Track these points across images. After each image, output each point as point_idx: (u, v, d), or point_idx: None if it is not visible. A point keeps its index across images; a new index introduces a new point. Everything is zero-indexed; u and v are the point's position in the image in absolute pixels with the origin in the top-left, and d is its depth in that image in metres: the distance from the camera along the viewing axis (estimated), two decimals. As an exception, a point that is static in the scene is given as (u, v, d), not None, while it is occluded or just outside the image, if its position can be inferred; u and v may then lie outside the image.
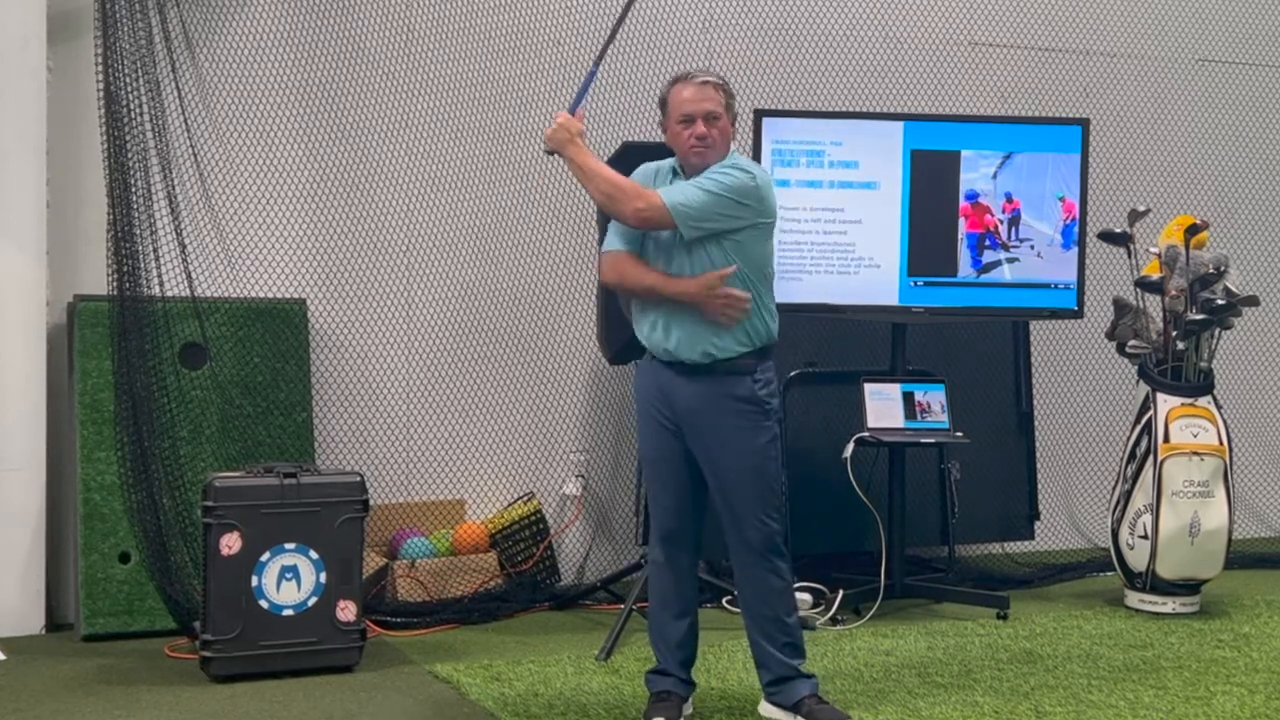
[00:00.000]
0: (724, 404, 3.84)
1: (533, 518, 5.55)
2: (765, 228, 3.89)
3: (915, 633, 5.00)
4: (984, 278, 5.51)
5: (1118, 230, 5.54)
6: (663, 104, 3.97)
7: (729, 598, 5.19)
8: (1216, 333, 5.48)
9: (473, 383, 5.68)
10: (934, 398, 5.38)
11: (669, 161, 4.02)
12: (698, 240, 3.81)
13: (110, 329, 4.85)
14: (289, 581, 4.41)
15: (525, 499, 5.64)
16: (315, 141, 5.42)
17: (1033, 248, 5.53)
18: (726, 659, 4.59)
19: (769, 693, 3.98)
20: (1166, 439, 5.33)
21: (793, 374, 5.67)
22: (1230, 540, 5.39)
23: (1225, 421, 5.41)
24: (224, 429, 5.03)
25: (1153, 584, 5.35)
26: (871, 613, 5.19)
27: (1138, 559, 5.38)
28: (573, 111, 3.94)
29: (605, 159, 5.08)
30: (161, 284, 4.92)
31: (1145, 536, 5.34)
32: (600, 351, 5.28)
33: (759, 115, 5.40)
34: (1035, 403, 6.29)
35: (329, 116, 5.44)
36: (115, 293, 4.82)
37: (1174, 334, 5.43)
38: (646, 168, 4.04)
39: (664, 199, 3.78)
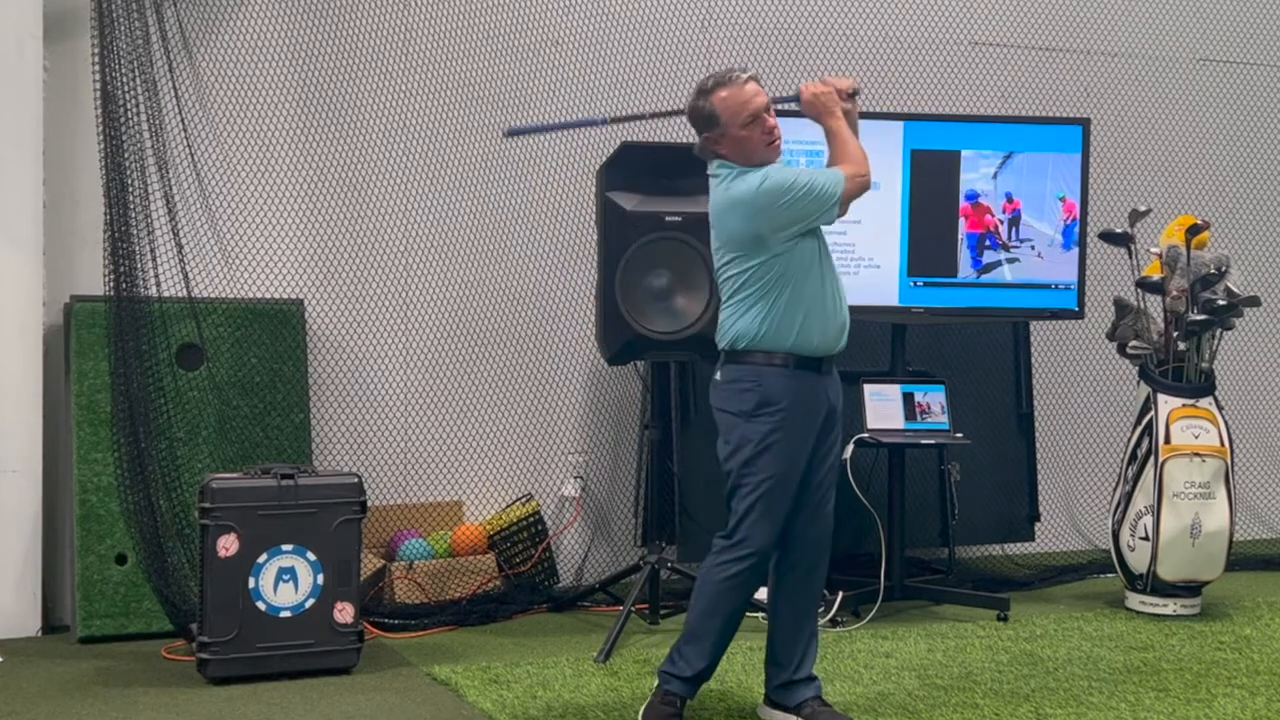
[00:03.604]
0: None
1: (531, 519, 5.53)
2: None
3: (915, 635, 4.98)
4: (984, 278, 5.49)
5: (1118, 230, 5.52)
6: (709, 118, 3.73)
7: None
8: (1218, 333, 5.47)
9: (471, 383, 5.66)
10: (934, 399, 5.37)
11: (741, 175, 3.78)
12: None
13: (107, 330, 4.83)
14: (286, 583, 4.39)
15: (524, 500, 5.63)
16: (313, 141, 5.40)
17: (1033, 248, 5.51)
18: (726, 660, 4.53)
19: (773, 694, 3.96)
20: (1167, 440, 5.31)
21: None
22: (1231, 542, 5.37)
23: (1226, 422, 5.39)
24: (221, 430, 5.01)
25: (1154, 586, 5.34)
26: (871, 615, 5.17)
27: (1138, 560, 5.36)
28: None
29: (604, 159, 5.10)
30: (158, 284, 4.90)
31: (1146, 538, 5.33)
32: (599, 352, 5.26)
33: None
34: (1036, 403, 6.28)
35: (326, 116, 5.43)
36: (112, 293, 4.80)
37: (1175, 334, 5.42)
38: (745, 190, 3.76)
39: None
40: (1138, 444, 5.43)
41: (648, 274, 4.98)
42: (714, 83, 3.77)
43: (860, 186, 3.81)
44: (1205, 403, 5.39)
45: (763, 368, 3.74)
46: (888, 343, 5.54)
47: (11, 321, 4.88)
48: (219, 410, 5.02)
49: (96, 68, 4.82)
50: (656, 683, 3.93)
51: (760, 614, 4.18)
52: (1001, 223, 5.50)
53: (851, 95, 3.90)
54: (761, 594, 4.03)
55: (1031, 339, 6.29)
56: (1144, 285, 5.50)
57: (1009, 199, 5.49)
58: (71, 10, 5.03)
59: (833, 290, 3.82)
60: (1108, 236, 5.54)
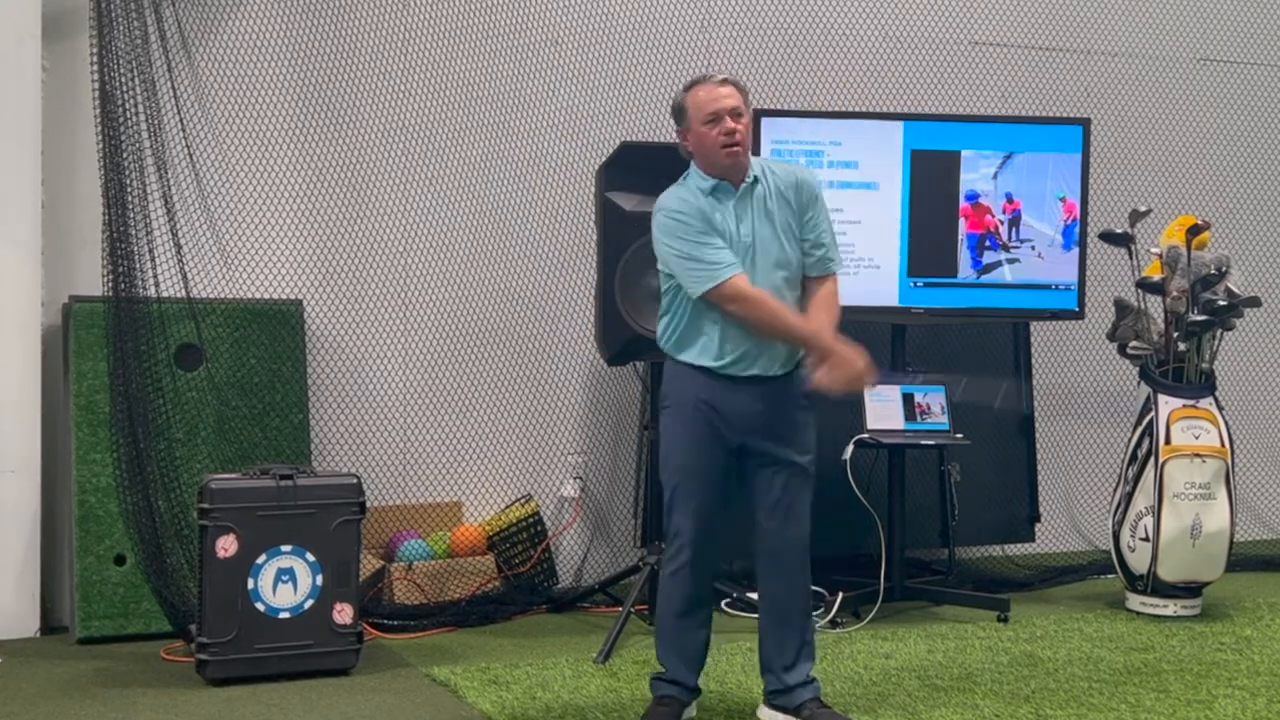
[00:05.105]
0: (792, 400, 3.83)
1: (530, 520, 5.52)
2: None
3: (915, 636, 4.97)
4: (984, 279, 5.49)
5: (1119, 231, 5.51)
6: (680, 111, 3.84)
7: (727, 600, 5.18)
8: (1218, 334, 5.46)
9: (470, 384, 5.65)
10: (934, 399, 5.36)
11: (702, 186, 3.79)
12: (792, 236, 3.83)
13: (105, 330, 4.82)
14: (285, 584, 4.39)
15: (523, 501, 5.62)
16: (311, 142, 5.40)
17: (1033, 248, 5.51)
18: (726, 661, 4.56)
19: (771, 695, 3.95)
20: (1168, 441, 5.30)
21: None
22: (1232, 542, 5.36)
23: (1227, 423, 5.39)
24: (220, 430, 5.00)
25: (1154, 586, 5.33)
26: (871, 616, 5.16)
27: (1139, 561, 5.36)
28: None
29: (604, 159, 5.10)
30: (157, 285, 4.90)
31: (1146, 539, 5.32)
32: (599, 352, 5.25)
33: (758, 115, 5.35)
34: (1036, 404, 6.27)
35: (325, 117, 5.42)
36: (110, 294, 4.80)
37: (1175, 335, 5.41)
38: (688, 208, 3.76)
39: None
40: (1138, 444, 5.42)
41: (647, 274, 4.97)
42: (693, 81, 3.87)
43: (722, 299, 3.68)
44: (1205, 403, 5.38)
45: (679, 366, 3.84)
46: (888, 343, 5.53)
47: (10, 322, 4.87)
48: (218, 411, 5.01)
49: (95, 67, 4.82)
50: None
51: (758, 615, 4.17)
52: (1002, 223, 5.49)
53: (854, 380, 3.75)
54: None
55: (1031, 339, 6.29)
56: (1144, 285, 5.49)
57: (1009, 199, 5.48)
58: (70, 10, 5.03)
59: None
60: (1108, 237, 5.53)
